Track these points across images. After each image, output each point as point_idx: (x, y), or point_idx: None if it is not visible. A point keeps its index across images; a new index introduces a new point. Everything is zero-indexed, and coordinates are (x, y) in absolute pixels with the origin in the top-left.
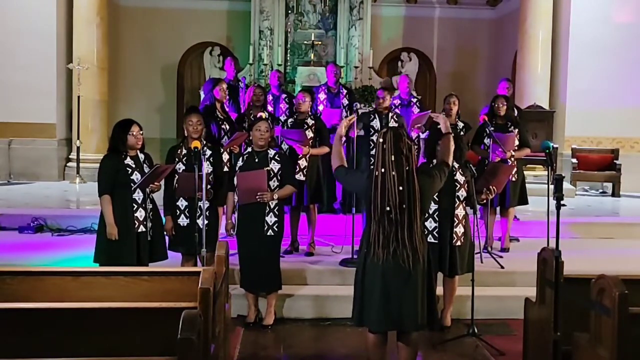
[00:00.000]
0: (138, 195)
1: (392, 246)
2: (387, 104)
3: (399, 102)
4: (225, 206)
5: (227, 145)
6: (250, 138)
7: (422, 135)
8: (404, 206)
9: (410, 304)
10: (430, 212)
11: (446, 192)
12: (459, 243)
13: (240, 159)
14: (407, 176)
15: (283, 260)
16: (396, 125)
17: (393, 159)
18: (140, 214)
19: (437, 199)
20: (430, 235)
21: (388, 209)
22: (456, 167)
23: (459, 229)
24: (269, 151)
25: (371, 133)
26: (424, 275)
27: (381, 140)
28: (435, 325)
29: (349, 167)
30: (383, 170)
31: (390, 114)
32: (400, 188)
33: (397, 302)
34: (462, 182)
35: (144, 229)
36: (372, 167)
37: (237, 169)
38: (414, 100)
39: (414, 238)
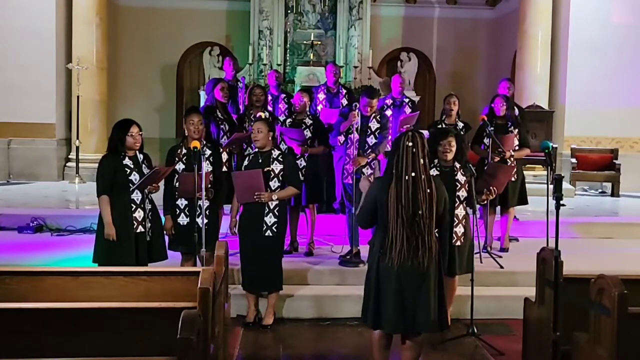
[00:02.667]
0: (136, 196)
1: (412, 248)
2: (375, 110)
3: (391, 101)
4: (225, 206)
5: (226, 146)
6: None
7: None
8: (426, 208)
9: (426, 305)
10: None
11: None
12: (458, 243)
13: (246, 159)
14: (429, 180)
15: (282, 260)
16: (378, 125)
17: (422, 162)
18: (138, 214)
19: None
20: None
21: (421, 212)
22: (457, 167)
23: (459, 229)
24: (272, 152)
25: (350, 131)
26: (436, 278)
27: (410, 143)
28: (445, 325)
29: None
30: (414, 174)
31: (374, 114)
32: (428, 191)
33: (412, 304)
34: (462, 182)
35: (142, 230)
36: (395, 171)
37: (242, 168)
38: (406, 100)
39: (431, 240)
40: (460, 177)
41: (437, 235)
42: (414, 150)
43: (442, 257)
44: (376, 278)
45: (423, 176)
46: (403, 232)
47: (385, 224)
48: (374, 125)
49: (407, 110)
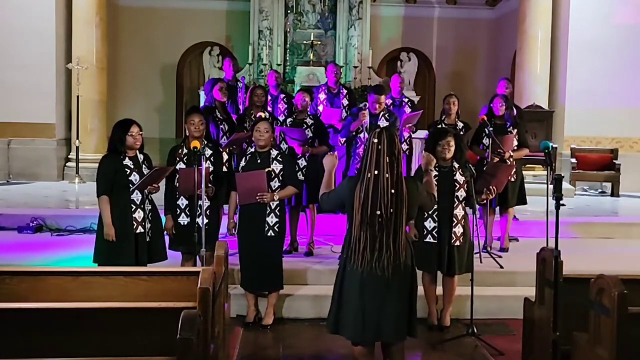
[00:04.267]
0: (136, 196)
1: (375, 252)
2: (383, 107)
3: (391, 101)
4: (225, 205)
5: (226, 146)
6: (253, 138)
7: (420, 135)
8: (391, 210)
9: (389, 313)
10: (430, 212)
11: (445, 192)
12: (457, 243)
13: (243, 159)
14: (397, 180)
15: (283, 260)
16: (387, 124)
17: (388, 160)
18: (138, 214)
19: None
20: (429, 235)
21: (379, 212)
22: (456, 167)
23: (458, 229)
24: (271, 151)
25: (360, 131)
26: (405, 284)
27: (375, 140)
28: (414, 332)
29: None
30: (377, 172)
31: (382, 113)
32: (393, 191)
33: (375, 312)
34: (461, 182)
35: (142, 230)
36: (362, 168)
37: (239, 168)
38: (406, 100)
39: (397, 245)
40: (459, 177)
41: (435, 234)
42: (379, 147)
43: (441, 257)
44: (340, 283)
45: (387, 175)
46: (365, 233)
47: (352, 226)
48: (382, 123)
49: (407, 110)
